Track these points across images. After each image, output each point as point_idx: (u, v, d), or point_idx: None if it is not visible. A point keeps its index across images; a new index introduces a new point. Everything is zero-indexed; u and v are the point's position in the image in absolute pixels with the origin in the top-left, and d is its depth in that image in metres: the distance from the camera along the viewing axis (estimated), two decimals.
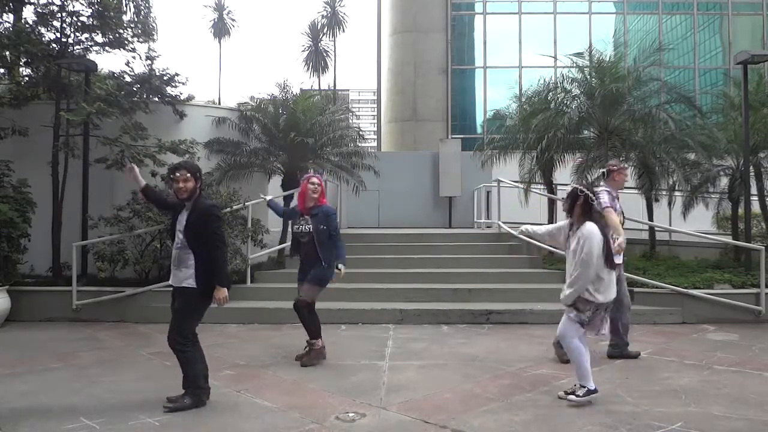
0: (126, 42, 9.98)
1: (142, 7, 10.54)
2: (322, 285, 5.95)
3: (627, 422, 4.09)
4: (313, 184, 5.95)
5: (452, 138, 20.88)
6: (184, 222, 4.56)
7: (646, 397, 4.67)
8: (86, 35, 9.80)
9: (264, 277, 9.15)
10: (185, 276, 4.50)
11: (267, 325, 7.70)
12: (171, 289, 4.68)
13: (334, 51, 53.72)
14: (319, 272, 5.87)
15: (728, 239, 10.09)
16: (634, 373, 5.36)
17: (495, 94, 23.48)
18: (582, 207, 4.58)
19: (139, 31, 10.07)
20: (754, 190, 9.96)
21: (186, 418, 4.28)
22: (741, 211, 10.07)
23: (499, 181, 11.29)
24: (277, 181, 10.86)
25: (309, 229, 5.85)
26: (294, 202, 6.17)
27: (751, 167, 9.65)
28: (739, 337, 6.93)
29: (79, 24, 9.63)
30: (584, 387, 4.53)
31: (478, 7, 25.39)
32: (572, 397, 4.53)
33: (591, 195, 4.58)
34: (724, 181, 10.57)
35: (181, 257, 4.53)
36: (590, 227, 4.52)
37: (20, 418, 4.29)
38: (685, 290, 8.00)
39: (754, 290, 7.98)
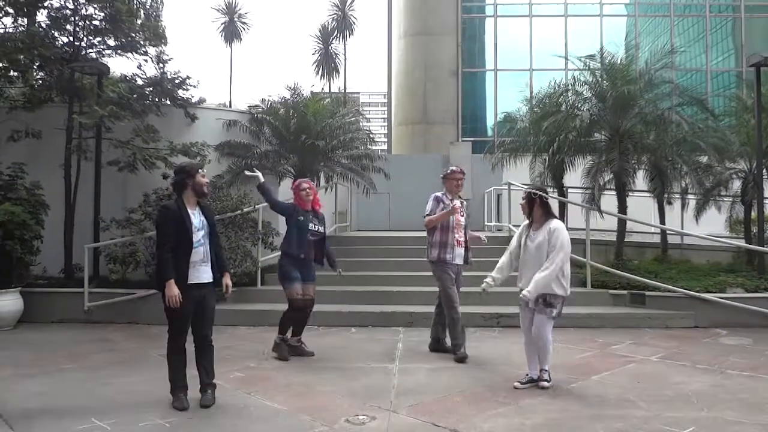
0: (138, 45, 10.07)
1: (153, 11, 10.61)
2: None
3: (638, 427, 4.06)
4: (304, 190, 5.99)
5: (463, 141, 20.84)
6: None
7: (658, 401, 4.64)
8: (99, 39, 9.90)
9: (274, 280, 9.13)
10: None
11: (277, 328, 7.68)
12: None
13: (345, 54, 53.72)
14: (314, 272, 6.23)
15: (741, 243, 10.01)
16: (645, 378, 5.32)
17: (506, 97, 23.33)
18: (542, 207, 5.04)
19: (151, 34, 10.15)
20: (767, 193, 9.88)
21: (195, 420, 4.29)
22: (754, 214, 9.98)
23: (509, 184, 11.24)
24: (287, 183, 10.87)
25: (323, 230, 5.99)
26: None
27: (764, 170, 9.57)
28: (752, 342, 6.87)
29: (91, 28, 9.75)
30: (548, 371, 4.99)
31: (489, 10, 25.33)
32: (545, 383, 4.92)
33: (545, 195, 5.05)
34: (736, 184, 10.48)
35: None
36: (558, 223, 4.97)
37: (33, 418, 4.32)
38: (698, 294, 7.93)
39: (767, 294, 7.90)
